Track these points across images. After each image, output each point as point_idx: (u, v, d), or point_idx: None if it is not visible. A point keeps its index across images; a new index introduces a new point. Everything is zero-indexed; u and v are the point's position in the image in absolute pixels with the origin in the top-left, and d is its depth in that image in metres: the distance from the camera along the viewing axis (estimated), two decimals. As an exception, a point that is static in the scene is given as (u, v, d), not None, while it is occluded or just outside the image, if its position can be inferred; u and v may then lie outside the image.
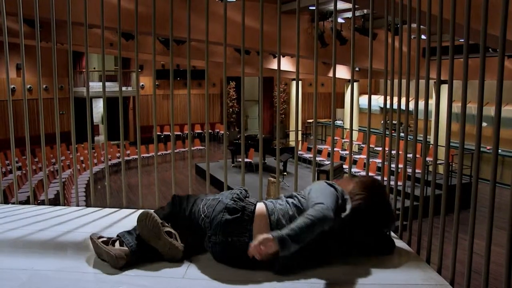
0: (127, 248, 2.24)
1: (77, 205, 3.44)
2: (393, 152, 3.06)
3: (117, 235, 2.35)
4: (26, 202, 3.80)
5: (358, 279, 2.18)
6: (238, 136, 16.64)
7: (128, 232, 2.36)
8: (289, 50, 9.73)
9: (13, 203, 3.50)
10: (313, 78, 3.26)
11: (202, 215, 2.29)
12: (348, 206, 2.28)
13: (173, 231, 2.32)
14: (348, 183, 2.49)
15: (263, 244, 1.94)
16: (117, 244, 2.28)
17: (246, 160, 13.68)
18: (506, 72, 11.92)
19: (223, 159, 3.48)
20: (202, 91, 20.98)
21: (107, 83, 3.78)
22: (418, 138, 2.97)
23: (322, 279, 2.15)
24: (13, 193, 3.59)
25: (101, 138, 20.52)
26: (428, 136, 3.12)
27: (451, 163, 12.57)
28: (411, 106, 2.93)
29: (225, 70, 3.38)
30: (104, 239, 2.33)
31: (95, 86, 17.52)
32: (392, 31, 3.23)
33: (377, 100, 16.97)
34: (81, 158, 14.59)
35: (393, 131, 3.12)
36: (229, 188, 2.83)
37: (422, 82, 2.79)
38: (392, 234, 2.78)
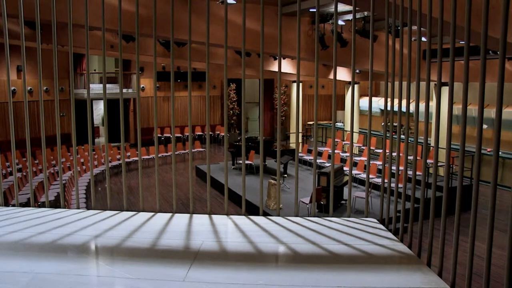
0: None
1: (78, 208, 3.44)
2: (394, 154, 3.05)
3: None
4: (27, 204, 3.80)
5: (359, 282, 2.17)
6: (239, 138, 16.64)
7: None
8: (289, 52, 9.72)
9: (14, 205, 3.50)
10: (313, 80, 3.26)
11: None
12: None
13: None
14: None
15: None
16: None
17: (246, 162, 13.68)
18: (507, 74, 11.90)
19: (224, 161, 3.48)
20: (203, 93, 21.00)
21: (107, 85, 3.78)
22: (418, 140, 2.97)
23: (320, 282, 2.14)
24: (14, 195, 3.58)
25: (101, 140, 20.53)
26: (428, 138, 3.12)
27: (451, 165, 12.55)
28: (412, 108, 2.93)
29: (226, 72, 3.38)
30: None
31: (96, 88, 17.54)
32: (392, 33, 3.23)
33: (378, 102, 17.00)
34: (82, 160, 14.59)
35: (393, 133, 3.12)
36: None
37: (422, 84, 2.79)
38: (392, 236, 2.78)
